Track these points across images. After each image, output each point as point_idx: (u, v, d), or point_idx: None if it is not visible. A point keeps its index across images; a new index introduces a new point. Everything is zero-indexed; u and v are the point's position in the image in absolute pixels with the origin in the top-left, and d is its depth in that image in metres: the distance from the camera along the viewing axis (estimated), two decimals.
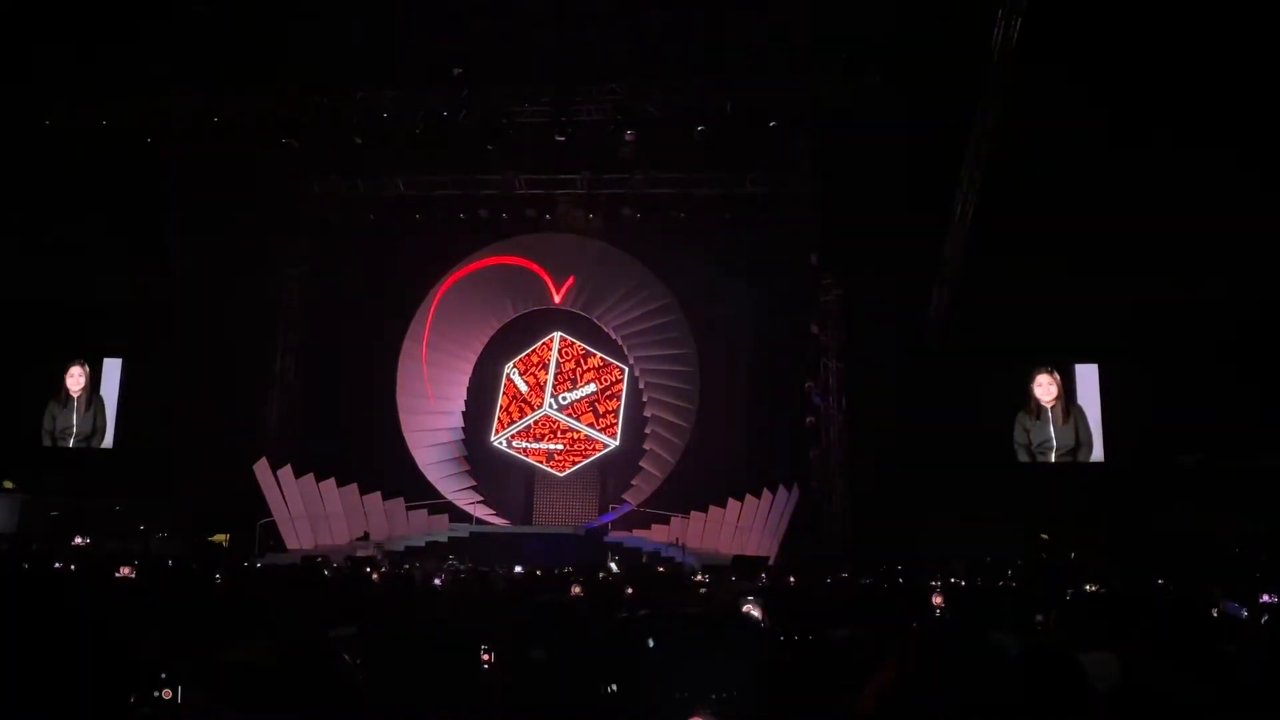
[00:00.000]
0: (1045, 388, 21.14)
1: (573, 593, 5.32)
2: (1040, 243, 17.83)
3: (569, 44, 17.94)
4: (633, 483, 23.09)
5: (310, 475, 20.63)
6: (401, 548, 20.13)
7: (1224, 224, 16.46)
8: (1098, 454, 20.84)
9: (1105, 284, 18.02)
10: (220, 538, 19.81)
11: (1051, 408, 21.06)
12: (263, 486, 20.19)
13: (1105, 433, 20.82)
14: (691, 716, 2.10)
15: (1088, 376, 21.14)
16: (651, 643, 2.17)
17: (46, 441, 22.57)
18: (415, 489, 22.16)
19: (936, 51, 16.35)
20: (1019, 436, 21.21)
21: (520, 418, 24.18)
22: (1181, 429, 17.70)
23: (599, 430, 23.97)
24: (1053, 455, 21.02)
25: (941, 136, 18.02)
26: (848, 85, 17.95)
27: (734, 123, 18.77)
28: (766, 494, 20.36)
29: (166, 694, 1.88)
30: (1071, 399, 21.17)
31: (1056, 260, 17.96)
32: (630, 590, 6.72)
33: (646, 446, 23.25)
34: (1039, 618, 5.67)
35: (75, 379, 22.66)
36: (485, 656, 3.53)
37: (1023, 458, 20.93)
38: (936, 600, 7.81)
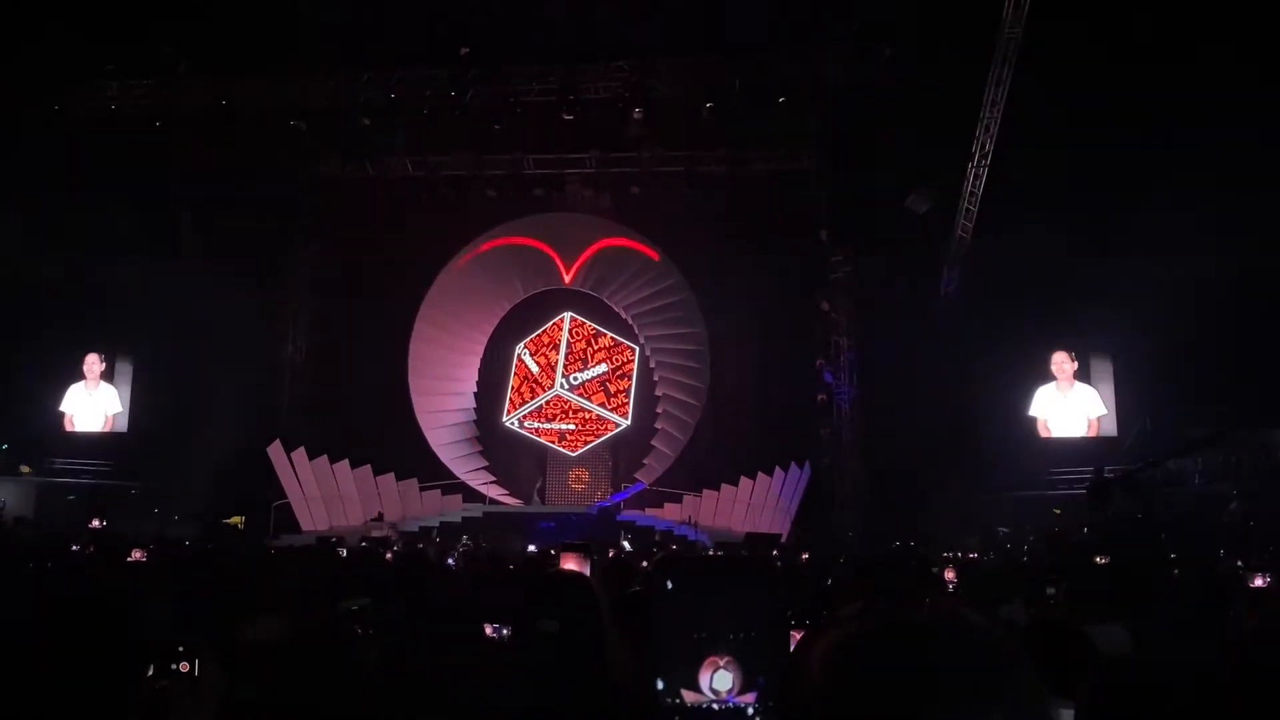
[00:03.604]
0: (1059, 365, 21.08)
1: (563, 566, 5.25)
2: (1051, 218, 17.73)
3: (576, 22, 17.88)
4: (645, 462, 23.15)
5: (324, 457, 20.77)
6: (415, 528, 20.24)
7: (1240, 198, 16.31)
8: (1110, 428, 20.80)
9: (1117, 258, 17.91)
10: (235, 520, 19.95)
11: (1067, 384, 21.00)
12: (277, 469, 20.33)
13: (1118, 407, 20.77)
14: (709, 657, 2.12)
15: (1100, 353, 21.07)
16: (670, 584, 2.19)
17: (63, 426, 22.74)
18: (428, 470, 22.27)
19: (946, 25, 16.23)
20: (1036, 410, 21.20)
21: (532, 398, 24.22)
22: (1193, 402, 17.61)
23: (610, 410, 24.00)
24: (1068, 430, 21.00)
25: (951, 112, 17.92)
26: (856, 60, 17.83)
27: (742, 99, 18.68)
28: (778, 471, 20.39)
29: (184, 667, 1.90)
30: (1085, 375, 21.11)
31: (1068, 235, 17.87)
32: (645, 565, 6.76)
33: (658, 425, 23.29)
34: (1050, 591, 5.68)
35: (91, 366, 22.80)
36: (500, 632, 3.56)
37: (1053, 431, 20.93)
38: (949, 575, 7.83)
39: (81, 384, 22.81)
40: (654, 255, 23.02)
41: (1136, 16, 14.95)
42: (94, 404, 22.84)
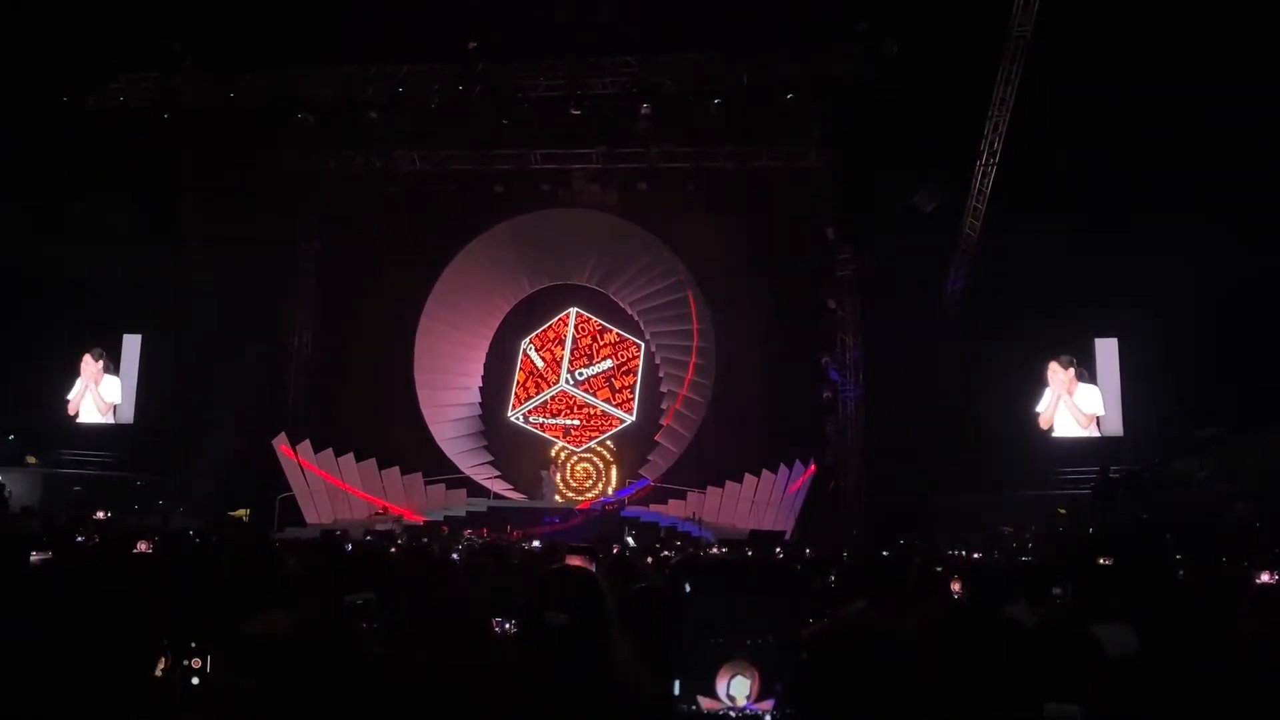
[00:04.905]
0: (1054, 374, 21.01)
1: (570, 562, 5.25)
2: (1059, 218, 17.66)
3: (583, 17, 17.84)
4: (649, 458, 23.15)
5: (329, 450, 20.80)
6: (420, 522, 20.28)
7: (1252, 198, 16.25)
8: (1115, 428, 20.73)
9: (1125, 257, 17.85)
10: (240, 513, 19.99)
11: (1067, 388, 20.95)
12: (282, 462, 20.36)
13: (1124, 406, 20.70)
14: (727, 662, 2.10)
15: (1107, 350, 20.99)
16: (688, 587, 2.18)
17: (69, 418, 22.78)
18: (433, 464, 22.29)
19: (954, 22, 16.17)
20: (1041, 409, 21.14)
21: (537, 393, 24.24)
22: (1200, 403, 17.56)
23: (615, 406, 24.01)
24: (1073, 429, 20.93)
25: (959, 109, 17.86)
26: (864, 57, 17.77)
27: (749, 95, 18.63)
28: (783, 469, 20.37)
29: (196, 663, 1.90)
30: (1091, 374, 21.01)
31: (1076, 235, 17.79)
32: (650, 560, 6.76)
33: (663, 422, 23.28)
34: (1055, 591, 5.67)
35: (88, 364, 22.83)
36: (505, 627, 3.56)
37: (1056, 431, 20.90)
38: (953, 577, 7.81)
39: (87, 375, 22.84)
40: (660, 252, 22.98)
41: (1147, 15, 14.87)
42: (99, 396, 22.87)
